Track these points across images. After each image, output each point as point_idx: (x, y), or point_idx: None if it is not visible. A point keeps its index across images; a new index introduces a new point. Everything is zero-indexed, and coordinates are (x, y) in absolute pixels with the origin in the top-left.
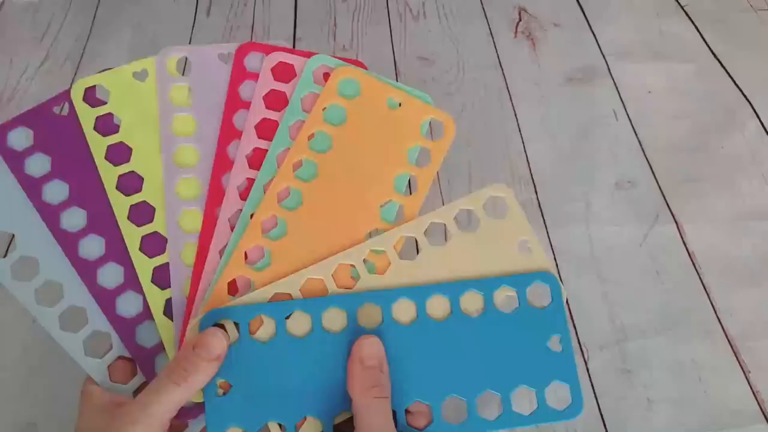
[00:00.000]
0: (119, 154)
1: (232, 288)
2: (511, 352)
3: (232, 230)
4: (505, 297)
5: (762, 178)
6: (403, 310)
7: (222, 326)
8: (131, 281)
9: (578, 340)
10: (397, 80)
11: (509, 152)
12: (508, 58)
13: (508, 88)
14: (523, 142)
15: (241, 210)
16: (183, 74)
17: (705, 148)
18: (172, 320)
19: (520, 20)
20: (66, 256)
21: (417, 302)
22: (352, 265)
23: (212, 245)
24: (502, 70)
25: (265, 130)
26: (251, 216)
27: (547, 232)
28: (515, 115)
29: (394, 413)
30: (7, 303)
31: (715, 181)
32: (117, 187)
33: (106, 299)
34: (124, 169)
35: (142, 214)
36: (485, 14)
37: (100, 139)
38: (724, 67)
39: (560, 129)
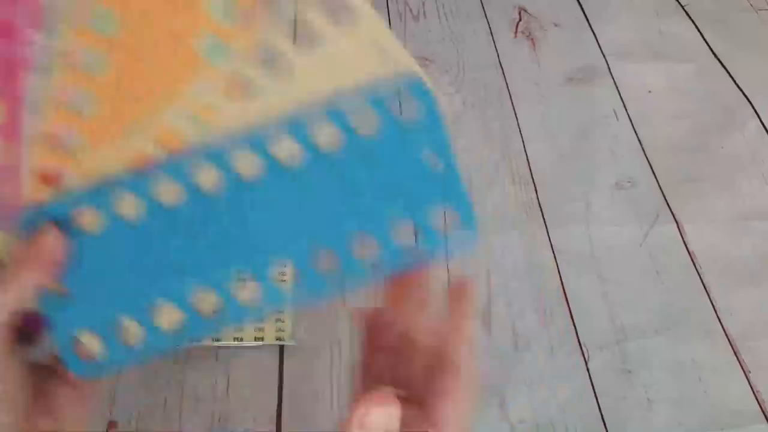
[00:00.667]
0: None
1: (47, 178)
2: (381, 184)
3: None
4: (364, 116)
5: (762, 177)
6: (247, 163)
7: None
8: None
9: (578, 340)
10: None
11: (509, 152)
12: (508, 57)
13: (508, 87)
14: (523, 142)
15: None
16: None
17: (705, 148)
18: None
19: (520, 20)
20: None
21: (259, 150)
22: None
23: (21, 134)
24: (502, 69)
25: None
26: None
27: (548, 232)
28: (515, 114)
29: None
30: None
31: (716, 181)
32: None
33: None
34: None
35: None
36: (485, 14)
37: None
38: (724, 67)
39: (560, 129)
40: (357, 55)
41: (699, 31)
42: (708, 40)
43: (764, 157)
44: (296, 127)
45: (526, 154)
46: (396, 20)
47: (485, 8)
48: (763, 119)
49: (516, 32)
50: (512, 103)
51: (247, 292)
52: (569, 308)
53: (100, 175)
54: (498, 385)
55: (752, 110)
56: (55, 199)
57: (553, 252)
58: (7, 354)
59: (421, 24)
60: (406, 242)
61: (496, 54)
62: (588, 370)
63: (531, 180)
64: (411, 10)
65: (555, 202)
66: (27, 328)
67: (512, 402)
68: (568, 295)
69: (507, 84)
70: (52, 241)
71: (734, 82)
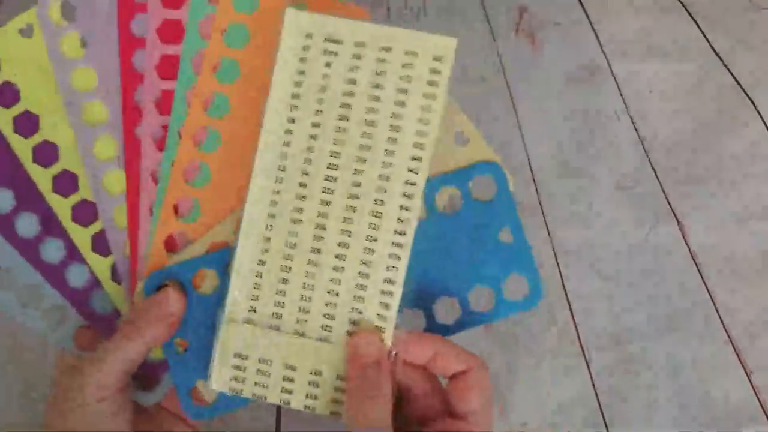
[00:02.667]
0: (27, 124)
1: (170, 244)
2: (463, 253)
3: (156, 184)
4: (447, 197)
5: (765, 177)
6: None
7: (173, 286)
8: (74, 253)
9: (579, 341)
10: None
11: (509, 152)
12: (509, 56)
13: (508, 87)
14: (523, 142)
15: (161, 162)
16: (70, 21)
17: (707, 148)
18: (121, 285)
19: (520, 19)
20: (5, 240)
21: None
22: None
23: (141, 204)
24: (503, 68)
25: (167, 68)
26: (172, 165)
27: (548, 232)
28: (516, 114)
29: None
30: None
31: (718, 181)
32: (34, 160)
33: (54, 274)
34: (36, 139)
35: (66, 184)
36: (485, 13)
37: (4, 111)
38: (726, 66)
39: (561, 128)
40: (445, 144)
41: (701, 30)
42: (710, 40)
43: (766, 157)
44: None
45: (527, 154)
46: (396, 20)
47: (485, 7)
48: (765, 119)
49: (517, 31)
50: (512, 103)
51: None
52: (570, 308)
53: (214, 242)
54: (499, 386)
55: (754, 110)
56: (176, 261)
57: (554, 252)
58: (126, 398)
59: (421, 23)
60: (480, 306)
61: (496, 53)
62: (589, 370)
63: (531, 180)
64: (411, 8)
65: (555, 202)
66: (147, 375)
67: (513, 403)
68: (568, 296)
69: (507, 83)
70: (173, 299)
71: (736, 81)
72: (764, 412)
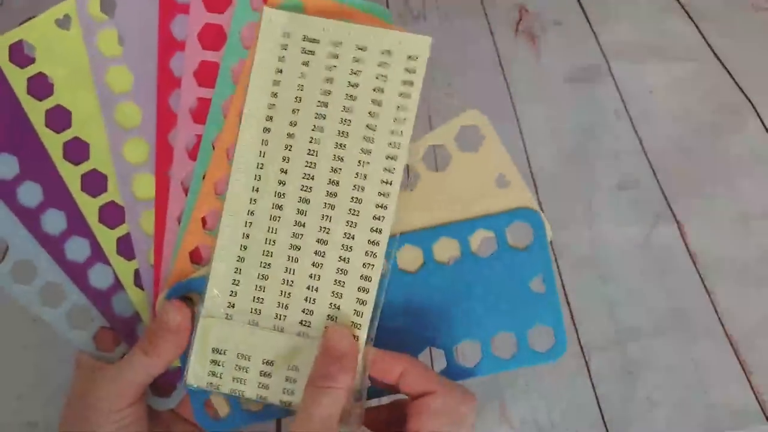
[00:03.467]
0: (59, 119)
1: (196, 256)
2: (491, 298)
3: (186, 194)
4: (482, 240)
5: (764, 177)
6: (412, 256)
7: (189, 298)
8: (98, 253)
9: (579, 341)
10: None
11: (510, 152)
12: (509, 57)
13: (508, 87)
14: (523, 142)
15: (192, 171)
16: (109, 16)
17: (706, 148)
18: (143, 290)
19: (520, 19)
20: (30, 234)
21: (387, 256)
22: None
23: (169, 212)
24: (503, 69)
25: (206, 74)
26: (203, 177)
27: None
28: (516, 114)
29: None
30: (5, 302)
31: (717, 181)
32: (64, 157)
33: (77, 273)
34: (67, 135)
35: (94, 183)
36: (485, 13)
37: (36, 104)
38: (725, 67)
39: (561, 128)
40: (480, 181)
41: (700, 30)
42: (709, 40)
43: (765, 157)
44: (421, 238)
45: (527, 154)
46: (396, 20)
47: (485, 7)
48: (764, 119)
49: (517, 31)
50: (512, 103)
51: None
52: (570, 309)
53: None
54: (498, 386)
55: (753, 110)
56: (201, 274)
57: (554, 252)
58: (142, 408)
59: (421, 24)
60: (503, 353)
61: (496, 53)
62: (589, 371)
63: (531, 180)
64: (412, 10)
65: (556, 202)
66: (163, 381)
67: (513, 404)
68: (568, 296)
69: (507, 83)
70: (174, 307)
71: (735, 82)
72: (764, 412)
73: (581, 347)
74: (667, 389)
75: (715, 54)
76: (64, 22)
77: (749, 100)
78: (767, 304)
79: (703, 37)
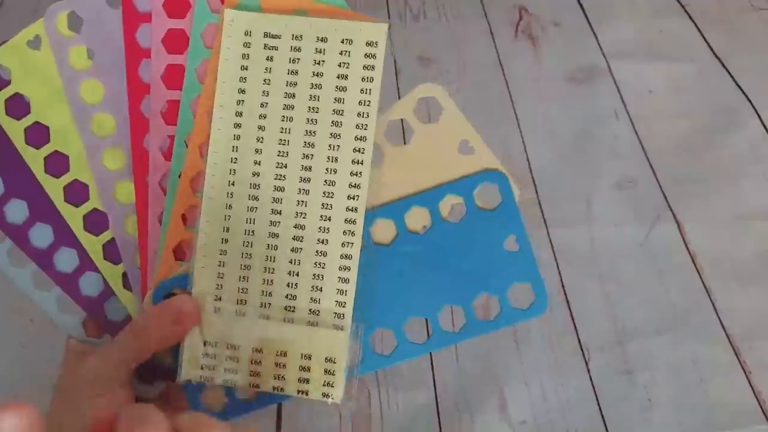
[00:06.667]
0: (38, 135)
1: (179, 253)
2: (467, 262)
3: (165, 193)
4: (451, 206)
5: (763, 177)
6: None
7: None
8: (87, 261)
9: (579, 341)
10: (396, 79)
11: (509, 152)
12: (509, 57)
13: (508, 87)
14: (523, 142)
15: (168, 171)
16: (77, 32)
17: (706, 148)
18: (131, 291)
19: (520, 19)
20: (20, 249)
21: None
22: None
23: (149, 214)
24: (503, 69)
25: (173, 77)
26: (180, 176)
27: (548, 232)
28: (515, 114)
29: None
30: (3, 301)
31: (716, 181)
32: (46, 171)
33: (68, 284)
34: (46, 150)
35: (77, 193)
36: (485, 14)
37: (15, 123)
38: (725, 67)
39: (561, 129)
40: (444, 150)
41: (699, 30)
42: (708, 40)
43: (765, 157)
44: (391, 210)
45: (527, 154)
46: (396, 20)
47: (485, 8)
48: (763, 119)
49: (516, 32)
50: (512, 103)
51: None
52: (569, 308)
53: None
54: (498, 386)
55: (753, 110)
56: (185, 270)
57: (554, 252)
58: (128, 394)
59: (421, 24)
60: (485, 314)
61: (496, 53)
62: (588, 370)
63: (531, 180)
64: (411, 10)
65: (555, 202)
66: (147, 368)
67: (512, 403)
68: (568, 296)
69: (507, 84)
70: (181, 305)
71: (735, 81)
72: (763, 411)
73: (581, 347)
74: (666, 388)
75: (714, 54)
76: (34, 43)
77: (749, 100)
78: (767, 303)
79: (703, 37)
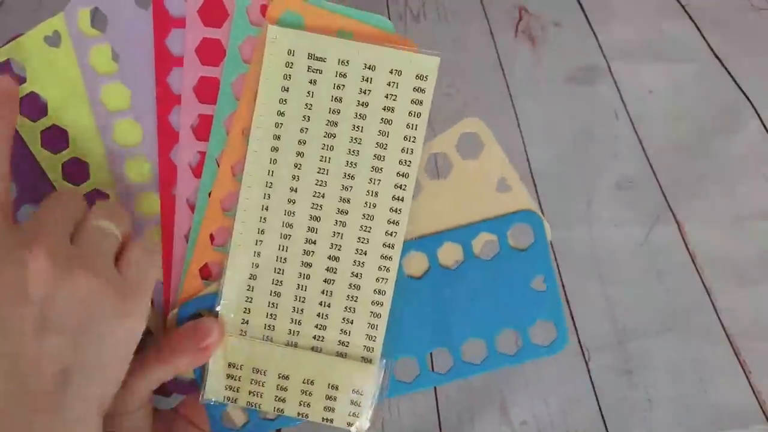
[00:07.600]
0: (56, 139)
1: (205, 272)
2: (494, 297)
3: (192, 211)
4: (484, 243)
5: (763, 178)
6: (417, 262)
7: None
8: None
9: (579, 341)
10: None
11: (509, 152)
12: (509, 57)
13: (508, 88)
14: (523, 142)
15: (197, 188)
16: (101, 31)
17: (706, 148)
18: (153, 306)
19: (520, 19)
20: None
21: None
22: None
23: (175, 230)
24: (503, 70)
25: (206, 90)
26: (209, 194)
27: None
28: (515, 115)
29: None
30: None
31: (717, 181)
32: (64, 177)
33: None
34: (65, 156)
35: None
36: (485, 14)
37: (31, 125)
38: (725, 67)
39: (561, 129)
40: (481, 186)
41: (700, 31)
42: (709, 40)
43: (765, 157)
44: (425, 245)
45: (527, 154)
46: (396, 21)
47: (485, 8)
48: (763, 119)
49: (516, 32)
50: (512, 103)
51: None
52: (569, 308)
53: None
54: (498, 386)
55: (753, 110)
56: (211, 290)
57: (553, 252)
58: (147, 412)
59: (421, 24)
60: (507, 349)
61: (496, 54)
62: (588, 370)
63: (531, 180)
64: (411, 10)
65: (555, 202)
66: (171, 384)
67: (513, 403)
68: (568, 296)
69: (507, 84)
70: (208, 329)
71: (735, 82)
72: (763, 411)
73: (581, 347)
74: (666, 388)
75: (715, 54)
76: (53, 40)
77: (749, 100)
78: (767, 303)
79: (703, 37)
